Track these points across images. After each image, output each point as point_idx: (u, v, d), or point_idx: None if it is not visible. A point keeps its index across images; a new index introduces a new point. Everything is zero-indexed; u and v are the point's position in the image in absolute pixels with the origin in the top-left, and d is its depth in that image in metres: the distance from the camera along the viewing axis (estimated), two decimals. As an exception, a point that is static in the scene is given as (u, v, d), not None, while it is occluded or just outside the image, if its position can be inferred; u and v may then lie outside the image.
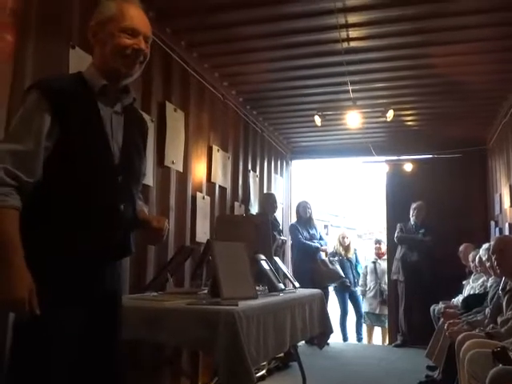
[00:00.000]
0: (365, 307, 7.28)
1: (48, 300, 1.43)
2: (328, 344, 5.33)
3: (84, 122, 1.55)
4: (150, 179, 3.57)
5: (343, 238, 7.27)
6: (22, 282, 1.38)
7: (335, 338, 6.16)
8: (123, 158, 1.65)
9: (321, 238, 6.40)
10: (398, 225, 6.52)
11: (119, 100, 1.69)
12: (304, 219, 6.39)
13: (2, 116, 2.26)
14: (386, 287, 7.10)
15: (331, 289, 6.80)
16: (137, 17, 1.64)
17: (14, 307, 1.40)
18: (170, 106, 3.93)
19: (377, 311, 7.18)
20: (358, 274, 7.36)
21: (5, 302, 1.39)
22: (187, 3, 3.57)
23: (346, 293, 7.02)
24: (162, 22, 3.74)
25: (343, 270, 6.59)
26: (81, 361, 1.55)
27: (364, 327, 7.34)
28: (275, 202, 5.77)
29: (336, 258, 6.78)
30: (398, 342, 6.34)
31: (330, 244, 7.33)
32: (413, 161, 7.09)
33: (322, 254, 6.35)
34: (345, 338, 7.13)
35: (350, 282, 6.91)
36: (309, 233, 6.28)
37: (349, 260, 7.15)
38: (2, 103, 2.27)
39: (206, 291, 2.88)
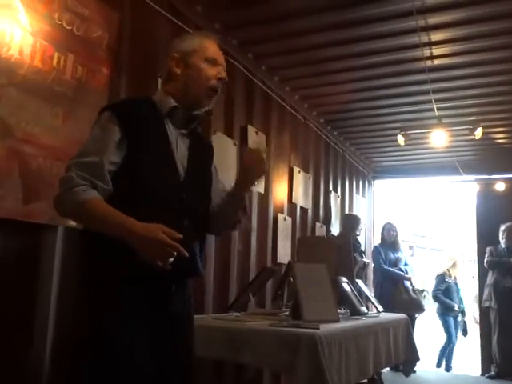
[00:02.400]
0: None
1: (116, 317, 1.47)
2: (415, 371, 5.11)
3: (151, 140, 1.61)
4: (232, 201, 3.65)
5: (453, 261, 7.03)
6: (149, 231, 1.41)
7: (423, 365, 5.88)
8: (188, 176, 1.68)
9: (405, 264, 6.16)
10: (488, 248, 6.15)
11: (187, 124, 1.73)
12: (388, 242, 6.20)
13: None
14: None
15: (431, 310, 6.55)
16: (217, 49, 1.74)
17: (162, 254, 1.41)
18: (251, 129, 4.02)
19: None
20: (462, 299, 7.05)
21: (154, 256, 1.41)
22: (267, 30, 3.66)
23: (451, 318, 6.72)
24: (243, 48, 3.87)
25: (450, 294, 6.35)
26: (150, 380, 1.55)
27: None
28: (358, 222, 5.67)
29: (444, 286, 6.61)
30: (492, 373, 5.95)
31: (416, 268, 7.09)
32: (505, 180, 6.70)
33: (407, 282, 6.10)
34: (448, 368, 6.78)
35: (458, 307, 6.69)
36: (393, 256, 6.08)
37: (456, 283, 6.91)
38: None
39: (287, 313, 2.88)
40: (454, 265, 6.92)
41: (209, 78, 1.67)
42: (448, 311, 6.73)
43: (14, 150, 2.04)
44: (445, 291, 6.85)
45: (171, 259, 1.42)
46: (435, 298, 6.93)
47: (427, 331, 9.37)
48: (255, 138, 4.07)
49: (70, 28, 2.29)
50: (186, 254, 1.44)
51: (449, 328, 6.77)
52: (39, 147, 2.15)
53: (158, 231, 1.41)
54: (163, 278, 1.57)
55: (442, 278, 6.94)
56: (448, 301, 6.77)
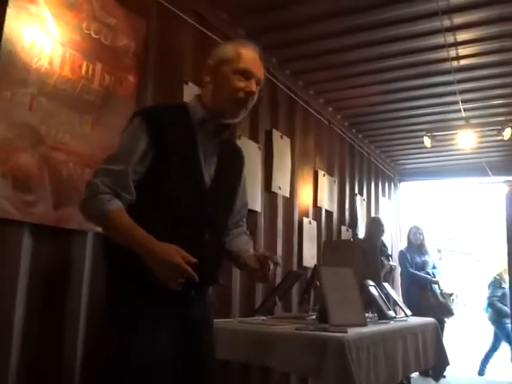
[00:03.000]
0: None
1: (137, 325, 1.50)
2: (444, 376, 5.03)
3: (179, 149, 1.59)
4: (257, 205, 3.67)
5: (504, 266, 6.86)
6: (167, 254, 1.43)
7: (453, 370, 5.77)
8: (213, 188, 1.66)
9: (433, 267, 6.06)
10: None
11: (217, 133, 1.70)
12: (415, 245, 6.12)
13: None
14: None
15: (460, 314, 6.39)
16: (252, 60, 1.67)
17: (175, 277, 1.42)
18: (276, 133, 4.03)
19: None
20: None
21: (168, 278, 1.44)
22: (291, 34, 3.67)
23: (508, 325, 6.51)
24: (267, 52, 3.89)
25: (505, 300, 6.18)
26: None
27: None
28: (382, 225, 5.61)
29: (500, 292, 6.47)
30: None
31: (444, 272, 6.93)
32: (536, 181, 6.55)
33: (435, 286, 5.99)
34: (481, 372, 6.61)
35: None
36: (420, 260, 6.00)
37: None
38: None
39: (313, 317, 2.87)
40: (505, 270, 6.70)
41: (237, 89, 1.62)
42: (504, 318, 6.40)
43: (45, 157, 2.10)
44: (501, 297, 6.60)
45: (182, 281, 1.44)
46: (492, 304, 6.68)
47: (458, 336, 9.21)
48: (280, 141, 4.08)
49: (97, 37, 2.35)
50: (197, 279, 1.45)
51: (508, 336, 6.45)
52: (69, 154, 2.20)
53: (175, 255, 1.43)
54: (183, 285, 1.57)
55: (498, 284, 6.67)
56: (504, 307, 6.48)
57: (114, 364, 1.55)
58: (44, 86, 2.09)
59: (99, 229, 2.27)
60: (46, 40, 2.11)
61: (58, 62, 2.16)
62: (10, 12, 1.95)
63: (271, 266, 1.69)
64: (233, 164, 1.81)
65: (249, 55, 1.67)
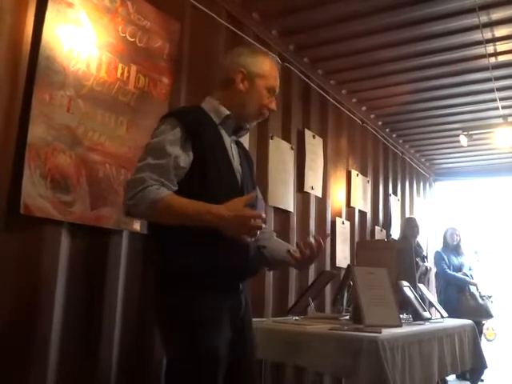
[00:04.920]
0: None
1: (192, 321, 1.54)
2: (482, 380, 4.91)
3: (212, 146, 1.65)
4: (290, 205, 3.67)
5: None
6: (232, 210, 1.46)
7: (492, 375, 5.63)
8: (242, 182, 1.73)
9: (470, 269, 5.92)
10: None
11: (236, 132, 1.81)
12: (451, 246, 5.99)
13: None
14: None
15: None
16: (276, 76, 1.82)
17: (249, 227, 1.47)
18: (308, 133, 4.02)
19: None
20: None
21: (243, 231, 1.49)
22: (323, 34, 3.66)
23: None
24: (299, 52, 3.89)
25: None
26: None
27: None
28: (417, 226, 5.51)
29: None
30: None
31: (482, 273, 6.76)
32: None
33: (472, 287, 5.85)
34: None
35: None
36: (457, 261, 5.87)
37: None
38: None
39: (347, 317, 2.85)
40: None
41: (264, 105, 1.78)
42: None
43: (82, 158, 2.15)
44: None
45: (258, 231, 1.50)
46: None
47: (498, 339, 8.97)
48: (312, 141, 4.07)
49: (133, 40, 2.39)
50: (263, 225, 1.54)
51: None
52: (105, 155, 2.25)
53: (239, 208, 1.47)
54: (233, 277, 1.65)
55: None
56: None
57: (183, 360, 1.55)
58: (81, 88, 2.15)
59: (135, 227, 2.35)
60: (83, 43, 2.16)
61: (95, 64, 2.21)
62: (48, 16, 2.00)
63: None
64: (248, 162, 1.89)
65: (276, 72, 1.82)
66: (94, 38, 2.21)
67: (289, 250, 1.81)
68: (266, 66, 1.78)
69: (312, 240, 1.77)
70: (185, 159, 1.60)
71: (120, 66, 2.33)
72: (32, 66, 1.97)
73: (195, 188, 1.59)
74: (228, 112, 1.73)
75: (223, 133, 1.73)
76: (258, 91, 1.75)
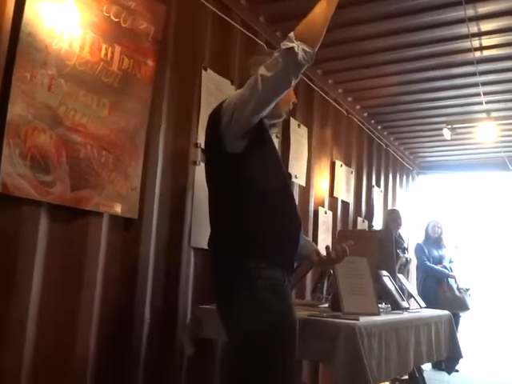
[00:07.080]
0: None
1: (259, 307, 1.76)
2: (457, 370, 4.99)
3: (268, 144, 1.93)
4: (273, 193, 3.67)
5: None
6: None
7: (467, 365, 5.72)
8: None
9: (450, 261, 6.01)
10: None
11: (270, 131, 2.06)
12: (432, 239, 6.07)
13: (143, 134, 2.49)
14: None
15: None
16: None
17: None
18: (294, 122, 4.02)
19: None
20: None
21: None
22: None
23: None
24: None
25: None
26: None
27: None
28: (399, 218, 5.56)
29: None
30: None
31: (462, 266, 6.84)
32: (558, 176, 6.45)
33: (451, 280, 5.93)
34: None
35: None
36: (437, 254, 5.95)
37: None
38: (143, 120, 2.50)
39: (326, 305, 2.88)
40: None
41: (289, 101, 2.03)
42: None
43: (63, 138, 2.12)
44: None
45: None
46: None
47: (473, 331, 9.13)
48: (297, 130, 4.07)
49: (117, 20, 2.36)
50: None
51: None
52: (86, 136, 2.22)
53: None
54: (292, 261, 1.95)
55: None
56: None
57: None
58: (63, 67, 2.11)
59: (116, 209, 2.33)
60: (66, 22, 2.12)
61: (78, 44, 2.17)
62: (30, -7, 1.96)
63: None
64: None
65: None
66: (78, 17, 2.17)
67: (315, 250, 2.08)
68: None
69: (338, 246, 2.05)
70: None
71: (104, 46, 2.29)
72: (13, 43, 1.93)
73: (255, 185, 1.82)
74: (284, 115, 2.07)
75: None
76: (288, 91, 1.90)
